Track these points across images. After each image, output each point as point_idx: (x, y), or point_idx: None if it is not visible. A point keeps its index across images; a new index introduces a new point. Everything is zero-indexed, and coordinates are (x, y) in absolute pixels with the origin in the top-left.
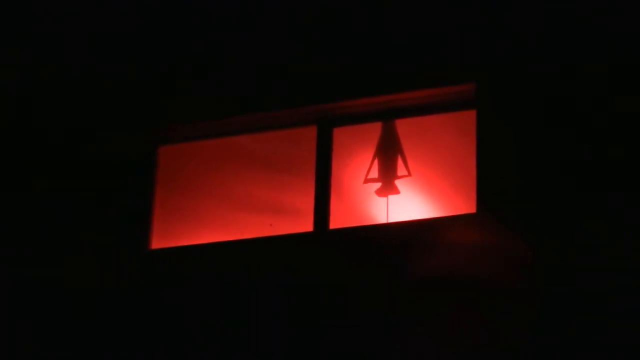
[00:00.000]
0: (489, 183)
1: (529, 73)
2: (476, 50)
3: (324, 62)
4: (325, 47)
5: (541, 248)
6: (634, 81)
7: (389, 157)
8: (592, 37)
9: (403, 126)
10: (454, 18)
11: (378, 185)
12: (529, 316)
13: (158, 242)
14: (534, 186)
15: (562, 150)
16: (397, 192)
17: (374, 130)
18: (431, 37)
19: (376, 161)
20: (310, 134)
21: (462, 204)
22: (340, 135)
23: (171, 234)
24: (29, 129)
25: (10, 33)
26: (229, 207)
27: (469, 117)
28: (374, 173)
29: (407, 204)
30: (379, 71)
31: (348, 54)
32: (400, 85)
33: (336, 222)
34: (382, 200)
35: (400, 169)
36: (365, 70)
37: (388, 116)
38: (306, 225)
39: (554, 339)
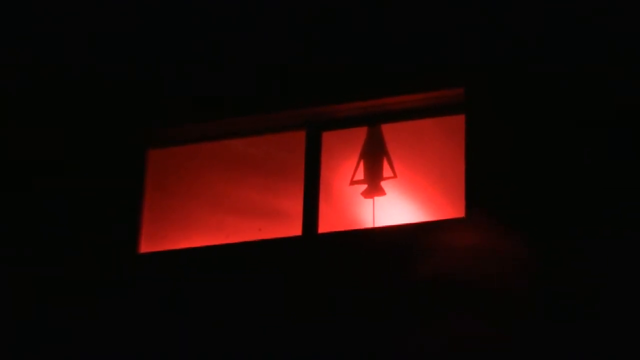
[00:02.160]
0: (477, 187)
1: (523, 75)
2: (467, 52)
3: (313, 66)
4: (315, 52)
5: (533, 252)
6: (634, 81)
7: (374, 158)
8: (592, 37)
9: (391, 130)
10: (448, 19)
11: (365, 187)
12: (521, 320)
13: (147, 246)
14: (524, 190)
15: (556, 153)
16: (383, 193)
17: (363, 134)
18: (422, 39)
19: (362, 163)
20: (299, 137)
21: (451, 208)
22: (330, 139)
23: (160, 237)
24: (28, 128)
25: (10, 33)
26: (218, 210)
27: (457, 121)
28: (360, 175)
29: (396, 208)
30: (368, 75)
31: (338, 58)
32: (389, 90)
33: (325, 226)
34: (371, 205)
35: (386, 171)
36: (355, 74)
37: (378, 120)
38: (295, 229)
39: (548, 341)
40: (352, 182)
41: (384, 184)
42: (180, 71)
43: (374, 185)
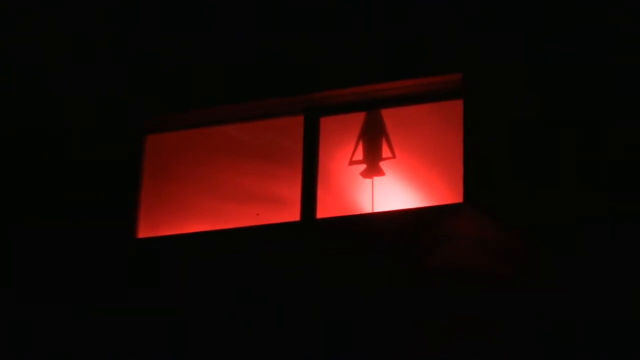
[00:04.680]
0: (475, 173)
1: (520, 60)
2: (465, 37)
3: (311, 51)
4: (313, 38)
5: (529, 239)
6: (634, 81)
7: (373, 139)
8: (591, 28)
9: (389, 115)
10: (447, 4)
11: (364, 167)
12: (520, 308)
13: (145, 232)
14: (522, 177)
15: (553, 139)
16: (381, 173)
17: (361, 119)
18: (419, 25)
19: (361, 143)
20: (297, 123)
21: (449, 194)
22: (328, 125)
23: (158, 223)
24: (27, 127)
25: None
26: (216, 196)
27: (455, 106)
28: (359, 155)
29: (394, 192)
30: (366, 60)
31: (336, 44)
32: (388, 75)
33: (323, 211)
34: (369, 190)
35: (385, 152)
36: (353, 60)
37: (376, 106)
38: (293, 214)
39: (543, 330)
40: (351, 163)
41: (382, 164)
42: (179, 57)
43: (373, 165)
